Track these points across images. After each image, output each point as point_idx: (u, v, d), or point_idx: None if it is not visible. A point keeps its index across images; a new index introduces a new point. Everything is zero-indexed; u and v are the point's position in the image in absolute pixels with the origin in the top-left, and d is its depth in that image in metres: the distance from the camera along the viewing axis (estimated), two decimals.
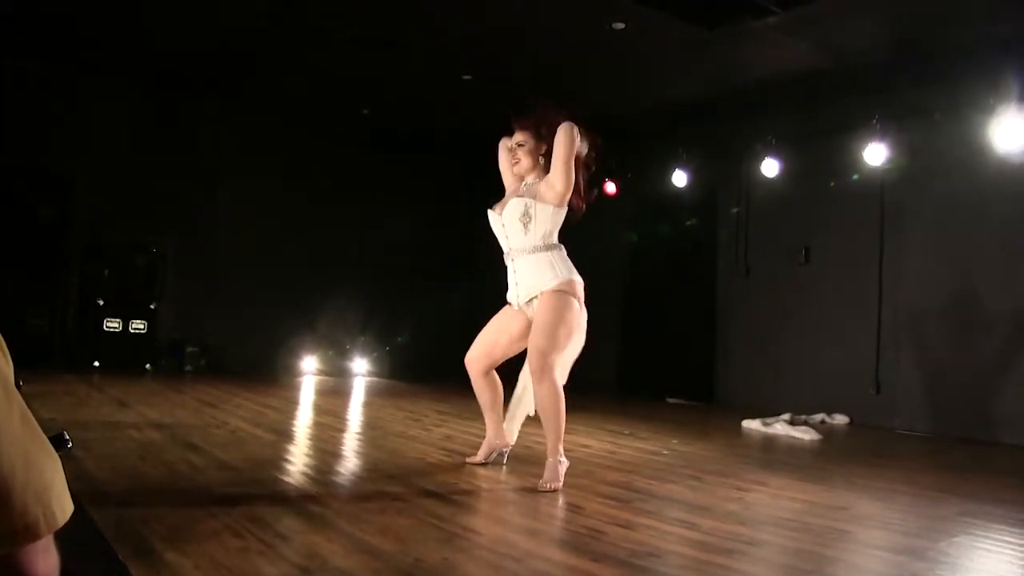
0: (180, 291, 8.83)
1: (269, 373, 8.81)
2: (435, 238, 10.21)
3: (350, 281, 9.56)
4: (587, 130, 3.55)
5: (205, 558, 2.04)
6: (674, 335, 8.77)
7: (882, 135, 6.73)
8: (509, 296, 3.63)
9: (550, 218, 3.48)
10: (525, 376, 3.65)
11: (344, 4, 6.33)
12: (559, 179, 3.43)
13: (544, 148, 3.55)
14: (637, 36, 6.46)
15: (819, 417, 7.03)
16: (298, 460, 3.81)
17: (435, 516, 2.69)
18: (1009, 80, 5.78)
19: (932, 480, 4.24)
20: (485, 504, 3.10)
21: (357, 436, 4.86)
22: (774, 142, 7.66)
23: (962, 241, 6.55)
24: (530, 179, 3.62)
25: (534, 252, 3.48)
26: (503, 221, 3.56)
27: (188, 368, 8.71)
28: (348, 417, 5.89)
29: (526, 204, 3.47)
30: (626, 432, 5.51)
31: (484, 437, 3.86)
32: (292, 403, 6.47)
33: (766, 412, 6.76)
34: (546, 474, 3.32)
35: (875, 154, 6.76)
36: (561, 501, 3.11)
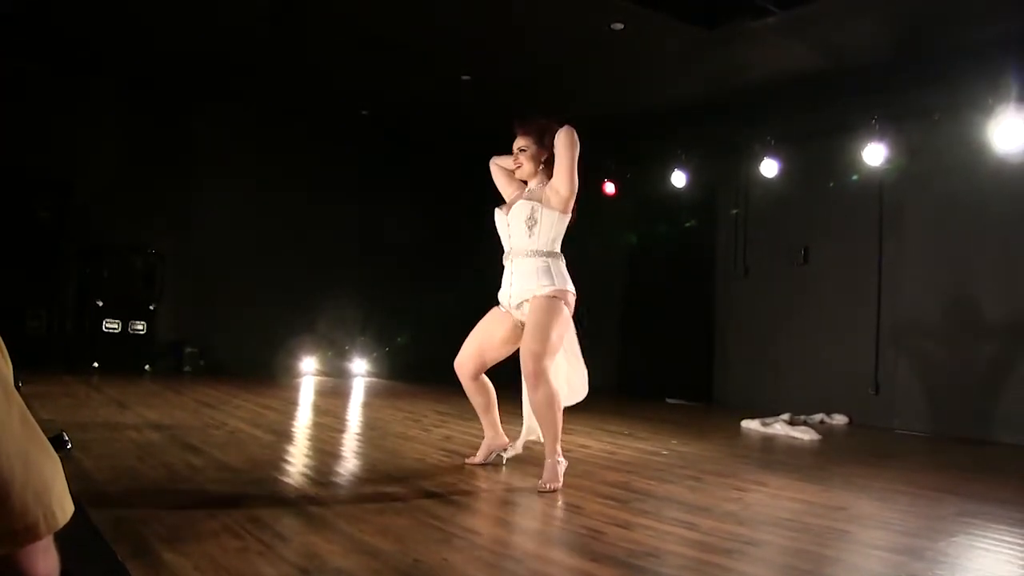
0: (179, 292, 8.83)
1: (268, 374, 8.80)
2: (434, 238, 10.21)
3: (349, 281, 9.56)
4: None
5: (204, 558, 2.04)
6: (673, 335, 8.77)
7: (881, 135, 6.73)
8: (501, 295, 3.63)
9: (555, 224, 3.48)
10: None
11: (344, 4, 6.33)
12: (564, 184, 3.43)
13: (545, 156, 3.55)
14: (636, 36, 6.47)
15: (818, 417, 7.04)
16: (297, 461, 3.81)
17: (434, 516, 2.69)
18: (1008, 80, 5.78)
19: (931, 480, 4.24)
20: (484, 505, 3.10)
21: (356, 437, 4.86)
22: (773, 142, 7.67)
23: (961, 241, 6.56)
24: (533, 184, 3.61)
25: (534, 256, 3.48)
26: (508, 221, 3.56)
27: (187, 369, 8.71)
28: (347, 418, 5.89)
29: (532, 207, 3.47)
30: (625, 432, 5.51)
31: (483, 438, 3.86)
32: (291, 404, 6.47)
33: (765, 412, 6.76)
34: (545, 475, 3.32)
35: (874, 154, 6.77)
36: (560, 501, 3.11)
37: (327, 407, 6.47)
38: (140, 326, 8.45)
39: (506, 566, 2.21)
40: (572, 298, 3.49)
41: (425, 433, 4.96)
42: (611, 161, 8.96)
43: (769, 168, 7.67)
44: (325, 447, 4.32)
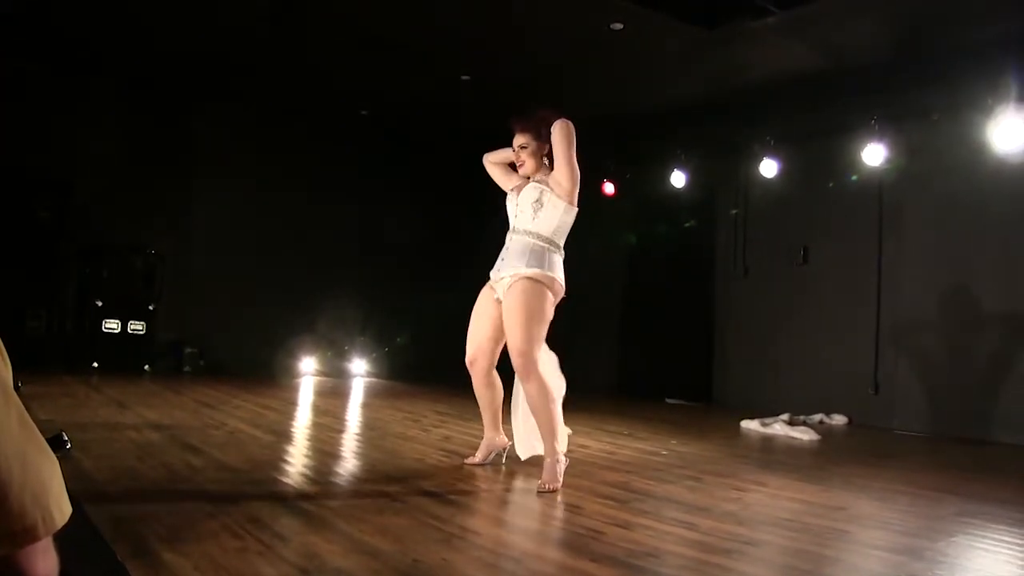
0: (178, 292, 8.83)
1: (268, 374, 8.80)
2: (434, 238, 10.21)
3: (349, 281, 9.56)
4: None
5: (204, 558, 2.04)
6: (673, 336, 8.77)
7: (880, 135, 6.73)
8: (492, 269, 3.61)
9: (560, 215, 3.47)
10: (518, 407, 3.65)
11: (344, 4, 6.33)
12: (565, 176, 3.42)
13: (547, 148, 3.55)
14: (636, 36, 6.47)
15: (818, 417, 7.04)
16: (297, 461, 3.81)
17: (434, 517, 2.69)
18: (1007, 80, 5.78)
19: (931, 480, 4.25)
20: (484, 505, 3.10)
21: (356, 437, 4.85)
22: (773, 142, 7.67)
23: (960, 241, 6.56)
24: (538, 177, 3.61)
25: (533, 238, 3.47)
26: (518, 201, 3.57)
27: (187, 369, 8.71)
28: (347, 418, 5.89)
29: (541, 191, 3.47)
30: (625, 432, 5.51)
31: (483, 438, 3.86)
32: (291, 404, 6.46)
33: (765, 412, 6.76)
34: (544, 475, 3.32)
35: (874, 154, 6.77)
36: (560, 501, 3.11)
37: (327, 407, 6.47)
38: (139, 326, 8.45)
39: (505, 566, 2.21)
40: (560, 289, 3.47)
41: (424, 433, 4.96)
42: (611, 161, 8.96)
43: (769, 168, 7.66)
44: (325, 447, 4.32)
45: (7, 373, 0.80)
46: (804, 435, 5.84)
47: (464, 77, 7.85)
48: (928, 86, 6.57)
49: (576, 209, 3.51)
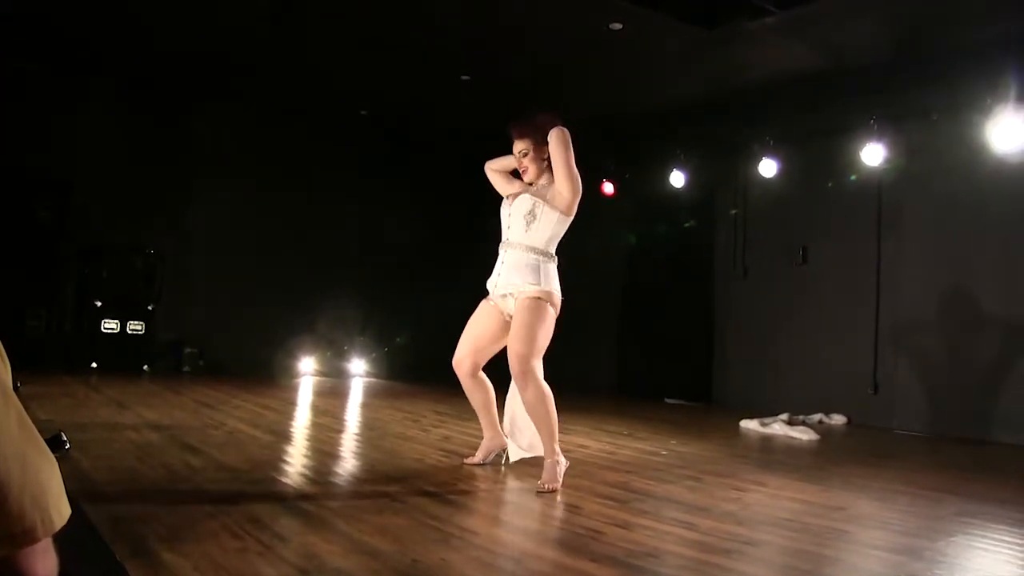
0: (178, 292, 8.83)
1: (267, 374, 8.80)
2: (434, 238, 10.21)
3: (349, 281, 9.57)
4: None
5: (203, 559, 2.04)
6: (672, 336, 8.77)
7: (880, 135, 6.73)
8: (489, 282, 3.64)
9: (554, 225, 3.48)
10: (512, 405, 3.66)
11: (344, 4, 6.33)
12: (566, 187, 3.43)
13: (547, 152, 3.54)
14: (635, 36, 6.47)
15: (817, 417, 7.04)
16: (296, 461, 3.81)
17: (433, 517, 2.69)
18: (1007, 80, 5.78)
19: (930, 480, 4.25)
20: (483, 505, 3.10)
21: (355, 437, 4.85)
22: (772, 142, 7.67)
23: (960, 241, 6.56)
24: (541, 182, 3.61)
25: (527, 252, 3.48)
26: (510, 211, 3.57)
27: (186, 369, 8.71)
28: (346, 418, 5.89)
29: (535, 203, 3.48)
30: (624, 432, 5.51)
31: (482, 438, 3.86)
32: (290, 404, 6.46)
33: (764, 412, 6.76)
34: (544, 475, 3.32)
35: (873, 154, 6.77)
36: (559, 501, 3.11)
37: (326, 407, 6.47)
38: (139, 326, 8.46)
39: (504, 566, 2.21)
40: (558, 299, 3.50)
41: (424, 433, 4.96)
42: (610, 161, 8.96)
43: (768, 168, 7.66)
44: (324, 447, 4.32)
45: (6, 374, 0.80)
46: (803, 435, 5.84)
47: (464, 77, 7.85)
48: (927, 86, 6.57)
49: (571, 218, 3.51)
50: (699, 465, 4.24)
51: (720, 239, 8.67)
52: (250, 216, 9.21)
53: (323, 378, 9.31)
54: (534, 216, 3.47)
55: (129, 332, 8.39)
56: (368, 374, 9.99)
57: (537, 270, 3.46)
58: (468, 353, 3.68)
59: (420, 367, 9.54)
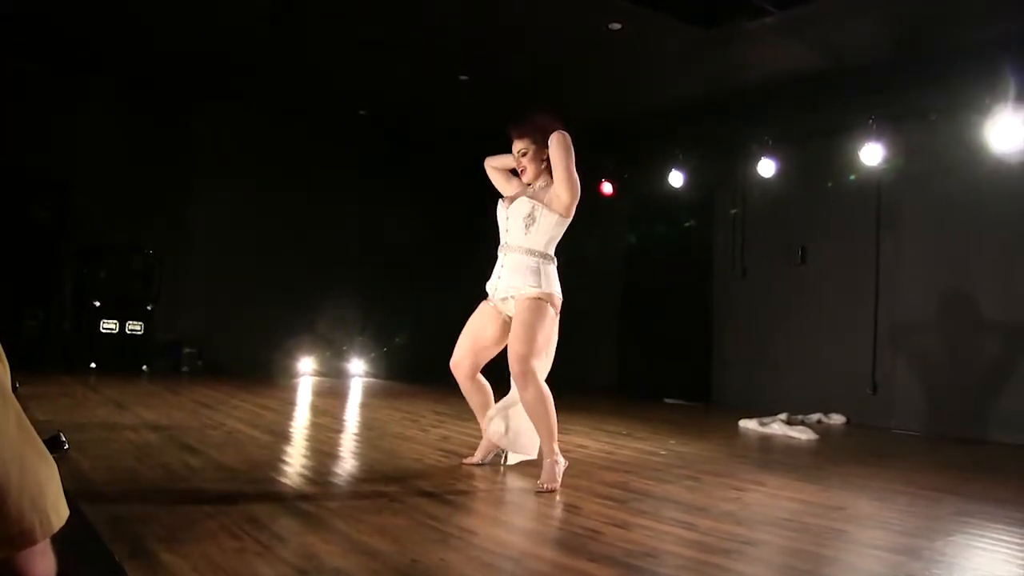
0: (177, 292, 8.82)
1: (266, 374, 8.80)
2: (434, 238, 10.20)
3: (348, 281, 9.56)
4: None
5: (202, 559, 2.04)
6: (671, 336, 8.78)
7: (879, 135, 6.74)
8: (488, 285, 3.64)
9: (552, 227, 3.49)
10: (509, 410, 3.67)
11: (342, 4, 6.33)
12: (565, 190, 3.43)
13: (546, 153, 3.53)
14: (634, 36, 6.47)
15: (816, 417, 7.04)
16: (295, 461, 3.81)
17: (432, 517, 2.69)
18: (1005, 80, 5.79)
19: (929, 480, 4.25)
20: (482, 505, 3.10)
21: (354, 437, 4.85)
22: (771, 142, 7.67)
23: (959, 241, 6.57)
24: (539, 184, 3.61)
25: (527, 255, 3.48)
26: (508, 215, 3.57)
27: (185, 369, 8.70)
28: (345, 418, 5.89)
29: (533, 206, 3.48)
30: (624, 432, 5.51)
31: (481, 438, 3.86)
32: (289, 404, 6.46)
33: (763, 412, 6.76)
34: (543, 475, 3.32)
35: (872, 154, 6.77)
36: (558, 501, 3.11)
37: (325, 407, 6.47)
38: (137, 326, 8.45)
39: (503, 566, 2.21)
40: (558, 301, 3.50)
41: (423, 433, 4.96)
42: (609, 161, 8.96)
43: (767, 168, 7.67)
44: (323, 447, 4.32)
45: (5, 375, 0.80)
46: (802, 435, 5.84)
47: (462, 77, 7.85)
48: (926, 86, 6.58)
49: (570, 219, 3.52)
50: (698, 465, 4.24)
51: (719, 239, 8.67)
52: (249, 216, 9.21)
53: (322, 378, 9.31)
54: (533, 219, 3.47)
55: (128, 332, 8.38)
56: (367, 374, 9.99)
57: (537, 272, 3.46)
58: (466, 355, 3.68)
59: (419, 367, 9.53)
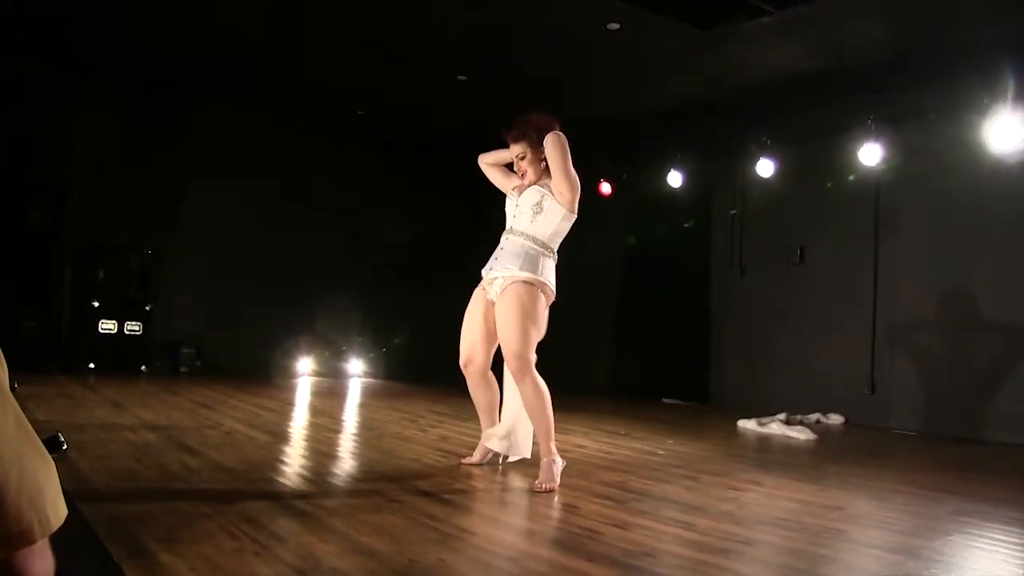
0: (175, 292, 8.81)
1: (265, 374, 8.79)
2: (433, 239, 10.20)
3: (347, 282, 9.56)
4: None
5: (200, 559, 2.04)
6: (670, 335, 8.78)
7: (877, 135, 6.74)
8: (484, 270, 3.63)
9: (559, 220, 3.49)
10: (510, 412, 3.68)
11: (341, 4, 6.33)
12: (565, 188, 3.43)
13: (543, 154, 3.54)
14: (632, 36, 6.47)
15: (814, 417, 7.05)
16: (293, 461, 3.81)
17: (430, 517, 2.69)
18: (1004, 80, 5.79)
19: (927, 479, 4.25)
20: (480, 504, 3.10)
21: (353, 437, 4.85)
22: (769, 142, 7.68)
23: (957, 241, 6.57)
24: (542, 183, 3.61)
25: (528, 241, 3.48)
26: (518, 202, 3.57)
27: (183, 369, 8.70)
28: (344, 418, 5.88)
29: (542, 195, 3.49)
30: (622, 432, 5.51)
31: (480, 438, 3.86)
32: (287, 404, 6.46)
33: (762, 412, 6.77)
34: (541, 475, 3.32)
35: (870, 154, 6.78)
36: (557, 501, 3.12)
37: (323, 407, 6.47)
38: (136, 327, 8.43)
39: (502, 566, 2.21)
40: (551, 292, 3.49)
41: (421, 433, 4.96)
42: (607, 161, 8.96)
43: (765, 168, 7.67)
44: (321, 447, 4.32)
45: (3, 375, 0.80)
46: (801, 434, 5.84)
47: (460, 77, 7.85)
48: (925, 86, 6.58)
49: (575, 216, 3.52)
50: (696, 465, 4.25)
51: (718, 239, 8.68)
52: (248, 216, 9.19)
53: (321, 378, 9.31)
54: (541, 208, 3.48)
55: (126, 333, 8.37)
56: (366, 374, 9.99)
57: (536, 261, 3.45)
58: (474, 349, 3.65)
59: (418, 367, 9.54)
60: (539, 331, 3.44)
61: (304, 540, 2.31)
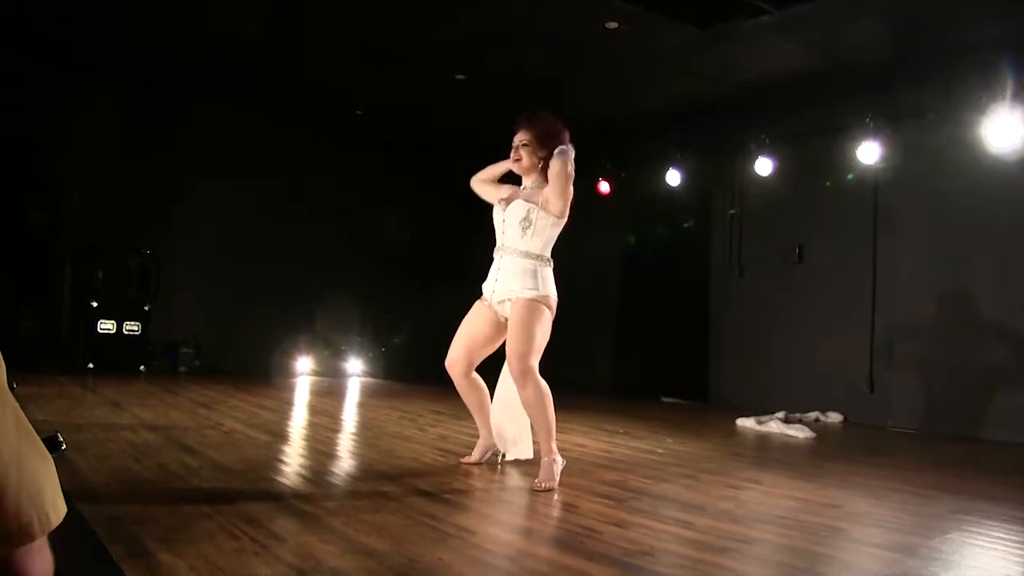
0: (174, 292, 8.81)
1: (264, 374, 8.79)
2: (432, 238, 10.19)
3: (346, 281, 9.56)
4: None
5: (199, 559, 2.04)
6: (669, 334, 8.78)
7: (876, 134, 6.75)
8: (485, 287, 3.65)
9: (548, 229, 3.51)
10: (502, 397, 3.69)
11: (340, 5, 6.32)
12: (556, 207, 3.44)
13: (545, 154, 3.56)
14: (630, 35, 6.47)
15: (813, 415, 7.05)
16: (293, 461, 3.81)
17: (430, 516, 2.69)
18: (1002, 79, 5.80)
19: (925, 478, 4.26)
20: (480, 504, 3.10)
21: (352, 436, 4.86)
22: (768, 141, 7.68)
23: (955, 240, 6.58)
24: (529, 183, 3.63)
25: (523, 258, 3.50)
26: (504, 217, 3.58)
27: (182, 369, 8.69)
28: (343, 417, 5.88)
29: (529, 209, 3.49)
30: (621, 431, 5.52)
31: (478, 437, 3.87)
32: (287, 404, 6.46)
33: (760, 410, 6.77)
34: (541, 473, 3.33)
35: (869, 153, 6.78)
36: (556, 500, 3.12)
37: (323, 407, 6.47)
38: (135, 326, 8.43)
39: (501, 565, 2.22)
40: (554, 303, 3.52)
41: (421, 433, 4.96)
42: (606, 160, 8.96)
43: (764, 167, 7.68)
44: (321, 447, 4.32)
45: (2, 373, 0.80)
46: (799, 433, 5.85)
47: (458, 76, 7.85)
48: (924, 85, 6.59)
49: (565, 219, 3.53)
50: (695, 463, 4.25)
51: (716, 238, 8.68)
52: (247, 216, 9.18)
53: (320, 378, 9.30)
54: (529, 222, 3.49)
55: (125, 333, 8.36)
56: (365, 374, 9.99)
57: (534, 275, 3.48)
58: (461, 354, 3.69)
59: (417, 367, 9.54)
60: (546, 339, 3.48)
61: (304, 540, 2.31)
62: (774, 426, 6.16)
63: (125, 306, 8.38)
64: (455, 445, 4.43)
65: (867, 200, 7.21)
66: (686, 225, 8.93)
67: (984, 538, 2.86)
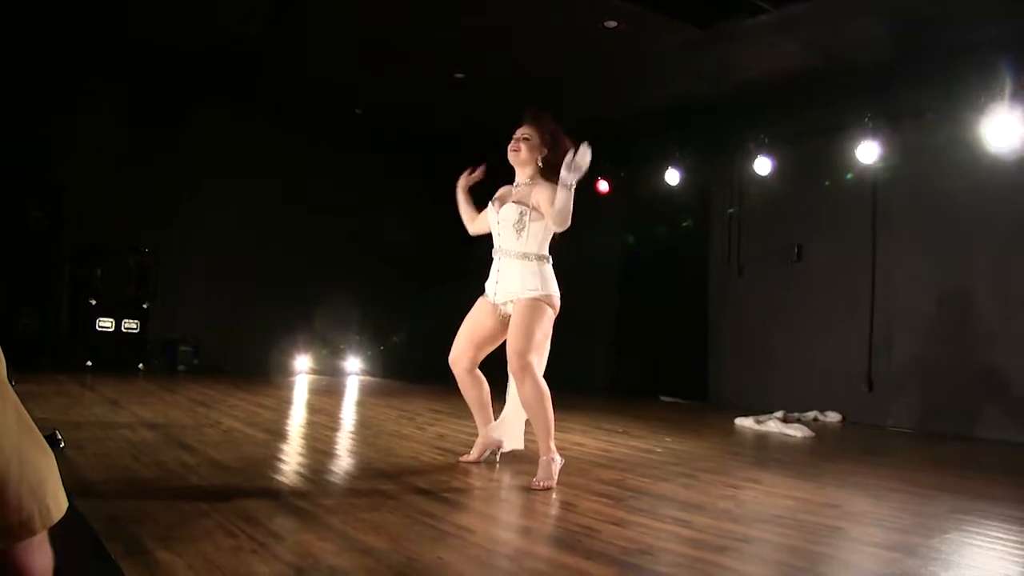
0: (173, 290, 8.80)
1: (263, 372, 8.79)
2: (432, 238, 10.15)
3: (346, 280, 9.55)
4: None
5: (198, 557, 2.04)
6: (668, 334, 8.78)
7: (875, 134, 6.75)
8: (487, 286, 3.67)
9: (543, 230, 3.52)
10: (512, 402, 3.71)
11: (339, 5, 6.32)
12: (555, 227, 3.42)
13: (545, 153, 3.57)
14: (630, 35, 6.47)
15: (812, 415, 7.06)
16: (291, 459, 3.81)
17: (428, 514, 2.69)
18: (1001, 79, 5.80)
19: (924, 477, 4.26)
20: (478, 502, 3.10)
21: (350, 435, 4.86)
22: (767, 141, 7.68)
23: (954, 239, 6.58)
24: (523, 179, 3.63)
25: (522, 259, 3.51)
26: (499, 219, 3.59)
27: (181, 367, 8.69)
28: (341, 416, 5.89)
29: (521, 212, 3.50)
30: (620, 430, 5.52)
31: (477, 436, 3.87)
32: (285, 402, 6.46)
33: (759, 410, 6.77)
34: (539, 472, 3.33)
35: (868, 153, 6.78)
36: (554, 499, 3.12)
37: (321, 405, 6.47)
38: (134, 325, 8.43)
39: (500, 564, 2.22)
40: (556, 301, 3.52)
41: (419, 431, 4.97)
42: (605, 160, 8.94)
43: (763, 167, 7.68)
44: (319, 445, 4.32)
45: (2, 369, 0.80)
46: (798, 432, 5.85)
47: (457, 75, 7.84)
48: (923, 85, 6.58)
49: None
50: (694, 463, 4.25)
51: (715, 237, 8.68)
52: (246, 214, 9.18)
53: (319, 376, 9.30)
54: (523, 224, 3.51)
55: (124, 331, 8.36)
56: (364, 372, 9.99)
57: (535, 274, 3.49)
58: (465, 350, 3.71)
59: (416, 366, 9.53)
60: (545, 340, 3.50)
61: (302, 538, 2.31)
62: (773, 425, 6.16)
63: (124, 304, 8.39)
64: (454, 444, 4.43)
65: (866, 200, 7.21)
66: (685, 224, 8.94)
67: (983, 538, 2.86)
